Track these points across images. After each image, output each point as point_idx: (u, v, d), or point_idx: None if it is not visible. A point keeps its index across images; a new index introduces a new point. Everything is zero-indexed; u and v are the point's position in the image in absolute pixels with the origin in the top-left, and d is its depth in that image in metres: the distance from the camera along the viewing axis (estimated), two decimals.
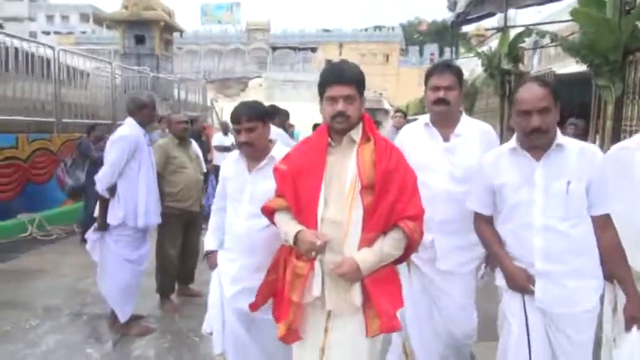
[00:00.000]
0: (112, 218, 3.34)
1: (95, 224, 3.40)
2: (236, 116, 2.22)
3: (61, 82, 7.67)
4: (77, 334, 3.46)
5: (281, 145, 2.36)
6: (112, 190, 3.33)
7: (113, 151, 3.33)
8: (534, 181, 1.93)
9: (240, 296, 2.25)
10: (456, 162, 2.34)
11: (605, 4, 5.50)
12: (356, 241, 1.77)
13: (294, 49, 54.47)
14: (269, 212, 1.96)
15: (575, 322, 1.94)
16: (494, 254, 2.10)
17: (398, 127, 5.88)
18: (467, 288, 2.44)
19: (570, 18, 5.98)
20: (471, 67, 13.32)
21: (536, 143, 1.92)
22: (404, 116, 6.86)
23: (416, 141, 2.45)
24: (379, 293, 1.77)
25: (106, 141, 3.51)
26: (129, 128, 3.43)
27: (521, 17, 16.98)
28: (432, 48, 51.56)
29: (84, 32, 56.41)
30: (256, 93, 37.66)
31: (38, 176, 6.85)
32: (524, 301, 1.96)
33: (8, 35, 6.92)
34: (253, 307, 2.09)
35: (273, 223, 1.97)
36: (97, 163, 5.83)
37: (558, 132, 1.95)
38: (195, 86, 14.86)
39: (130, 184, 3.35)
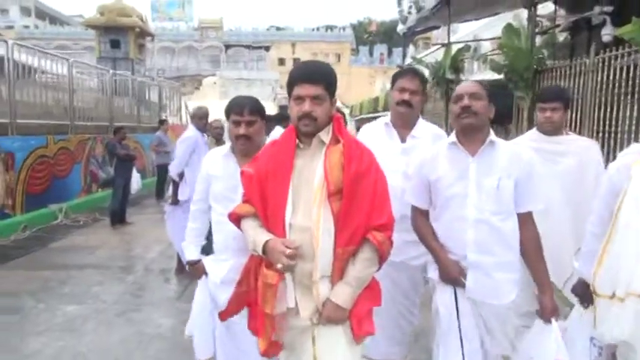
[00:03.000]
0: (181, 195, 4.71)
1: (169, 200, 4.77)
2: (239, 107, 2.16)
3: (74, 90, 8.72)
4: (154, 282, 4.80)
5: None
6: (181, 175, 4.71)
7: (180, 148, 4.72)
8: (468, 176, 1.99)
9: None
10: (411, 162, 2.39)
11: (520, 35, 7.41)
12: (328, 250, 1.67)
13: (247, 47, 55.02)
14: (235, 219, 1.86)
15: (501, 312, 2.02)
16: (429, 247, 2.13)
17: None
18: (415, 276, 2.55)
19: (498, 35, 7.85)
20: (419, 68, 15.21)
21: (467, 123, 1.98)
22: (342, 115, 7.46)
23: (375, 139, 2.50)
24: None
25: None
26: (191, 132, 4.82)
27: (463, 26, 19.09)
28: (381, 48, 53.64)
29: (26, 27, 54.35)
30: (211, 91, 38.34)
31: (61, 171, 7.93)
32: (455, 293, 2.03)
33: (33, 48, 7.93)
34: (223, 316, 2.02)
35: (240, 229, 1.87)
36: (123, 159, 7.13)
37: (491, 131, 2.05)
38: (170, 88, 15.89)
39: (193, 170, 4.71)
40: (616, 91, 5.56)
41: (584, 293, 2.12)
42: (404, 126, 2.51)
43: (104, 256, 5.63)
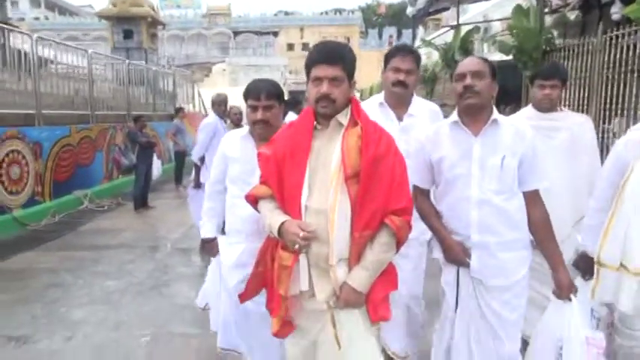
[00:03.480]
0: (203, 178, 4.98)
1: (192, 184, 5.06)
2: (256, 92, 2.13)
3: (94, 80, 9.02)
4: (180, 260, 5.10)
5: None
6: (202, 159, 4.98)
7: (201, 133, 4.99)
8: (472, 156, 1.96)
9: (242, 285, 2.09)
10: (410, 140, 2.38)
11: (529, 15, 7.49)
12: (345, 233, 1.67)
13: (255, 33, 54.95)
14: (252, 200, 1.87)
15: (506, 291, 1.98)
16: (433, 228, 2.10)
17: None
18: (420, 254, 2.53)
19: (508, 15, 7.94)
20: (429, 50, 15.21)
21: (469, 103, 1.94)
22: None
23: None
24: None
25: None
26: (211, 117, 5.08)
27: (473, 6, 18.94)
28: (390, 30, 53.18)
29: (36, 18, 54.74)
30: (221, 78, 38.49)
31: (84, 159, 8.27)
32: (458, 273, 2.03)
33: (54, 42, 8.21)
34: (242, 298, 2.01)
35: (256, 210, 1.88)
36: (144, 146, 7.42)
37: (494, 109, 2.00)
38: (182, 76, 16.15)
39: (213, 155, 5.00)
40: (622, 69, 5.70)
41: (587, 266, 2.16)
42: (399, 105, 2.47)
43: (131, 238, 5.95)
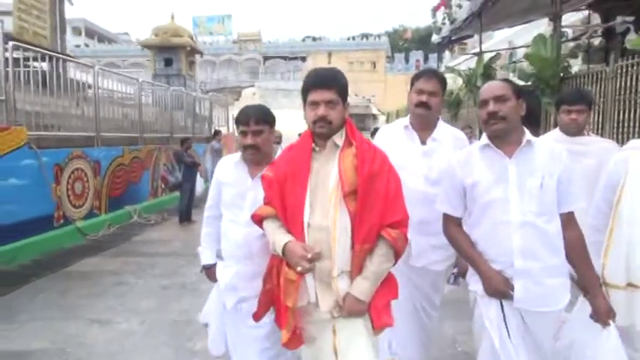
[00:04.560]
0: None
1: None
2: (245, 118, 2.16)
3: (142, 105, 9.92)
4: None
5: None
6: None
7: None
8: (508, 178, 1.89)
9: (240, 303, 2.21)
10: (432, 165, 2.36)
11: (547, 44, 8.00)
12: (346, 247, 1.75)
13: (284, 58, 56.55)
14: (258, 220, 1.95)
15: (549, 319, 1.92)
16: (469, 258, 2.00)
17: None
18: (437, 283, 2.51)
19: (528, 43, 8.47)
20: (455, 75, 15.77)
21: (496, 129, 1.91)
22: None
23: (394, 142, 2.47)
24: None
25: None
26: None
27: (498, 32, 19.40)
28: (417, 55, 53.79)
29: (77, 46, 57.65)
30: (250, 101, 39.69)
31: (134, 177, 9.08)
32: (502, 305, 1.90)
33: (111, 72, 9.14)
34: (256, 317, 2.05)
35: (262, 230, 1.96)
36: (190, 165, 8.16)
37: (526, 130, 1.96)
38: (216, 101, 17.12)
39: None
40: (633, 95, 6.13)
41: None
42: (423, 128, 2.45)
43: (179, 247, 6.62)
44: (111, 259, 5.97)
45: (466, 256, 2.03)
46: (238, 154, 2.28)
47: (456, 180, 2.03)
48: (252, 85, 49.45)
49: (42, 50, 7.23)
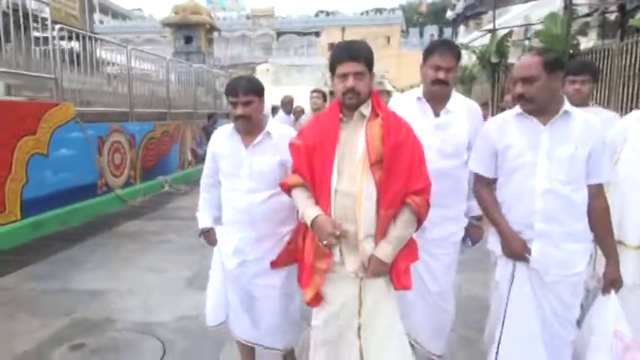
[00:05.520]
0: None
1: None
2: (234, 89, 2.21)
3: (169, 82, 10.47)
4: None
5: (274, 121, 2.42)
6: None
7: None
8: (540, 144, 1.94)
9: (242, 267, 2.33)
10: (446, 137, 2.36)
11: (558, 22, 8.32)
12: (371, 212, 1.84)
13: (298, 34, 56.23)
14: (286, 189, 2.02)
15: (567, 284, 1.97)
16: (492, 218, 2.09)
17: (315, 109, 5.60)
18: (453, 254, 2.50)
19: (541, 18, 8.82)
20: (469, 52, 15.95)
21: (525, 109, 1.96)
22: (322, 96, 5.81)
23: (407, 114, 2.37)
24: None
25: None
26: (281, 115, 6.29)
27: (514, 7, 19.32)
28: (432, 29, 53.05)
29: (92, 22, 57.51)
30: (264, 78, 39.89)
31: (164, 150, 9.71)
32: (514, 267, 2.00)
33: (142, 51, 9.67)
34: (273, 264, 2.23)
35: (290, 197, 2.04)
36: None
37: (565, 100, 1.97)
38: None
39: None
40: (637, 71, 6.49)
41: None
42: (438, 101, 2.41)
43: None
44: (151, 222, 6.62)
45: (489, 216, 2.13)
46: (231, 126, 2.35)
47: (489, 143, 2.10)
48: (266, 62, 49.37)
49: (86, 32, 7.80)
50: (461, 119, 2.39)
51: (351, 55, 1.87)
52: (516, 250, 1.99)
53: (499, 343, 2.03)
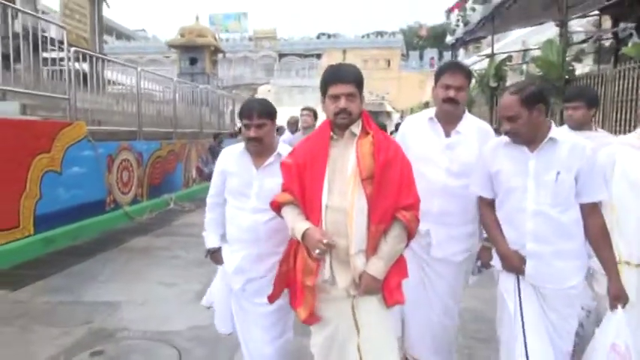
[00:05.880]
0: None
1: None
2: (248, 112, 2.25)
3: (176, 102, 10.75)
4: None
5: (284, 144, 2.49)
6: None
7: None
8: (528, 171, 2.06)
9: (246, 284, 2.36)
10: (455, 158, 2.41)
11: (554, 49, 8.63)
12: (362, 227, 1.87)
13: (299, 55, 57.12)
14: (276, 207, 2.06)
15: (562, 296, 2.07)
16: (491, 237, 2.23)
17: (306, 128, 5.59)
18: (458, 274, 2.53)
19: (539, 43, 9.12)
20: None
21: (515, 141, 2.10)
22: (312, 114, 5.74)
23: (419, 134, 2.52)
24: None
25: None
26: (287, 134, 6.50)
27: (512, 31, 19.81)
28: (431, 52, 53.80)
29: None
30: (266, 98, 40.31)
31: (170, 168, 9.92)
32: (518, 279, 2.12)
33: (151, 73, 9.98)
34: (271, 298, 2.17)
35: (280, 216, 2.07)
36: None
37: (553, 126, 2.08)
38: (240, 99, 17.94)
39: None
40: (631, 97, 6.75)
41: None
42: (449, 121, 2.46)
43: None
44: (160, 238, 6.78)
45: (489, 234, 2.27)
46: (241, 145, 2.39)
47: (485, 166, 2.23)
48: (268, 82, 50.02)
49: (98, 55, 8.06)
50: (470, 140, 2.43)
51: (343, 77, 1.95)
52: (514, 265, 2.11)
53: (527, 355, 2.04)
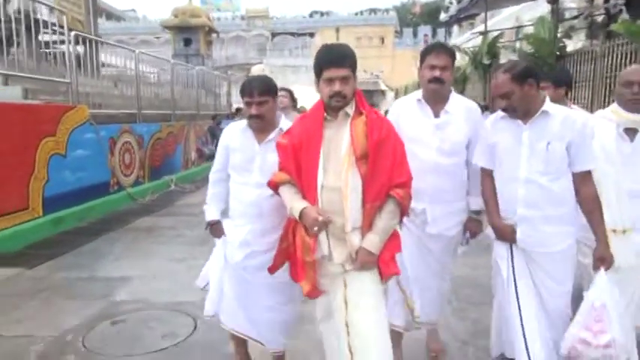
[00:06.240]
0: None
1: None
2: (249, 90, 2.28)
3: (173, 84, 10.84)
4: None
5: (286, 120, 2.49)
6: None
7: None
8: (521, 141, 2.20)
9: (248, 259, 2.42)
10: (445, 137, 2.48)
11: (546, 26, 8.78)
12: (357, 205, 1.94)
13: (292, 34, 56.49)
14: (273, 186, 2.12)
15: (551, 259, 2.21)
16: (487, 207, 2.40)
17: (283, 108, 5.02)
18: (451, 246, 2.67)
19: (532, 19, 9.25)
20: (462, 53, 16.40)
21: (511, 116, 2.24)
22: (290, 95, 5.08)
23: (408, 115, 2.58)
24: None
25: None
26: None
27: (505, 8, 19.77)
28: (425, 29, 53.38)
29: None
30: (267, 75, 39.94)
31: (169, 150, 10.07)
32: (511, 246, 2.28)
33: (149, 55, 10.04)
34: (271, 269, 2.24)
35: (278, 195, 2.13)
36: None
37: (547, 100, 2.23)
38: (235, 80, 17.95)
39: None
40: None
41: None
42: (436, 101, 2.52)
43: None
44: (164, 218, 7.00)
45: (486, 205, 2.42)
46: (244, 122, 2.44)
47: (486, 138, 2.38)
48: (261, 62, 49.52)
49: (96, 38, 8.12)
50: (459, 120, 2.51)
51: (337, 60, 1.96)
52: (505, 237, 2.28)
53: (521, 319, 2.20)
